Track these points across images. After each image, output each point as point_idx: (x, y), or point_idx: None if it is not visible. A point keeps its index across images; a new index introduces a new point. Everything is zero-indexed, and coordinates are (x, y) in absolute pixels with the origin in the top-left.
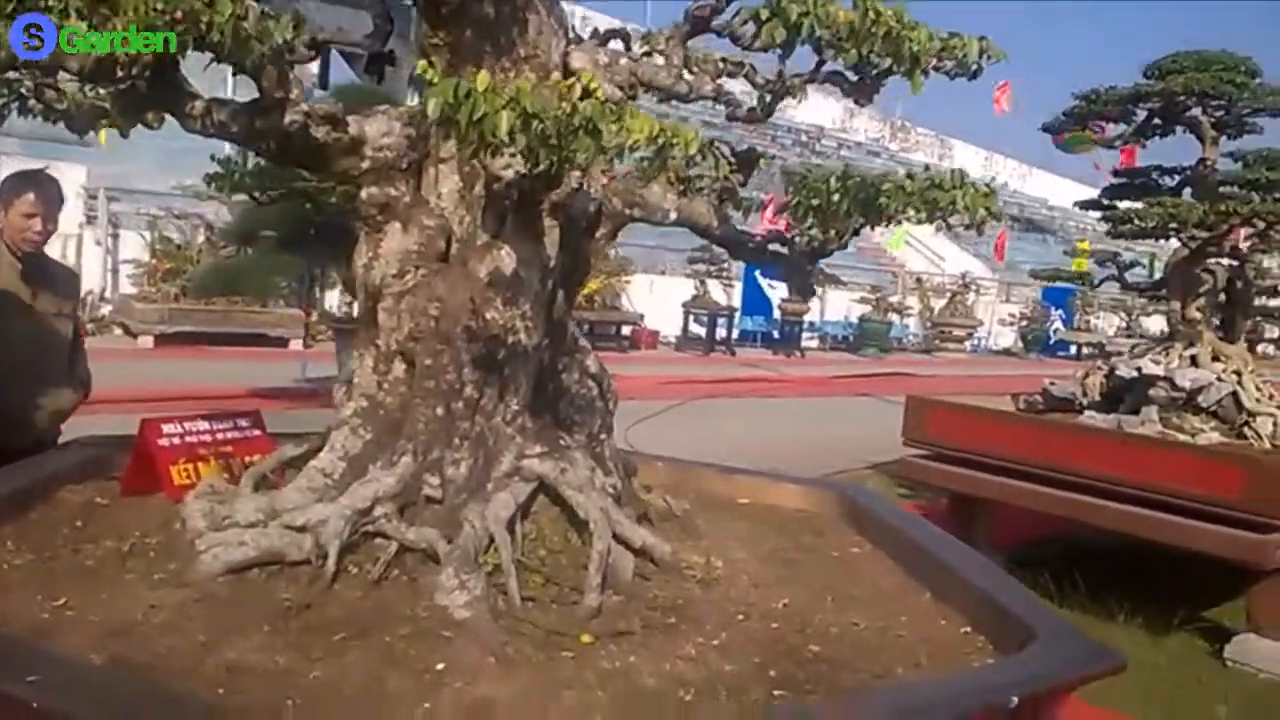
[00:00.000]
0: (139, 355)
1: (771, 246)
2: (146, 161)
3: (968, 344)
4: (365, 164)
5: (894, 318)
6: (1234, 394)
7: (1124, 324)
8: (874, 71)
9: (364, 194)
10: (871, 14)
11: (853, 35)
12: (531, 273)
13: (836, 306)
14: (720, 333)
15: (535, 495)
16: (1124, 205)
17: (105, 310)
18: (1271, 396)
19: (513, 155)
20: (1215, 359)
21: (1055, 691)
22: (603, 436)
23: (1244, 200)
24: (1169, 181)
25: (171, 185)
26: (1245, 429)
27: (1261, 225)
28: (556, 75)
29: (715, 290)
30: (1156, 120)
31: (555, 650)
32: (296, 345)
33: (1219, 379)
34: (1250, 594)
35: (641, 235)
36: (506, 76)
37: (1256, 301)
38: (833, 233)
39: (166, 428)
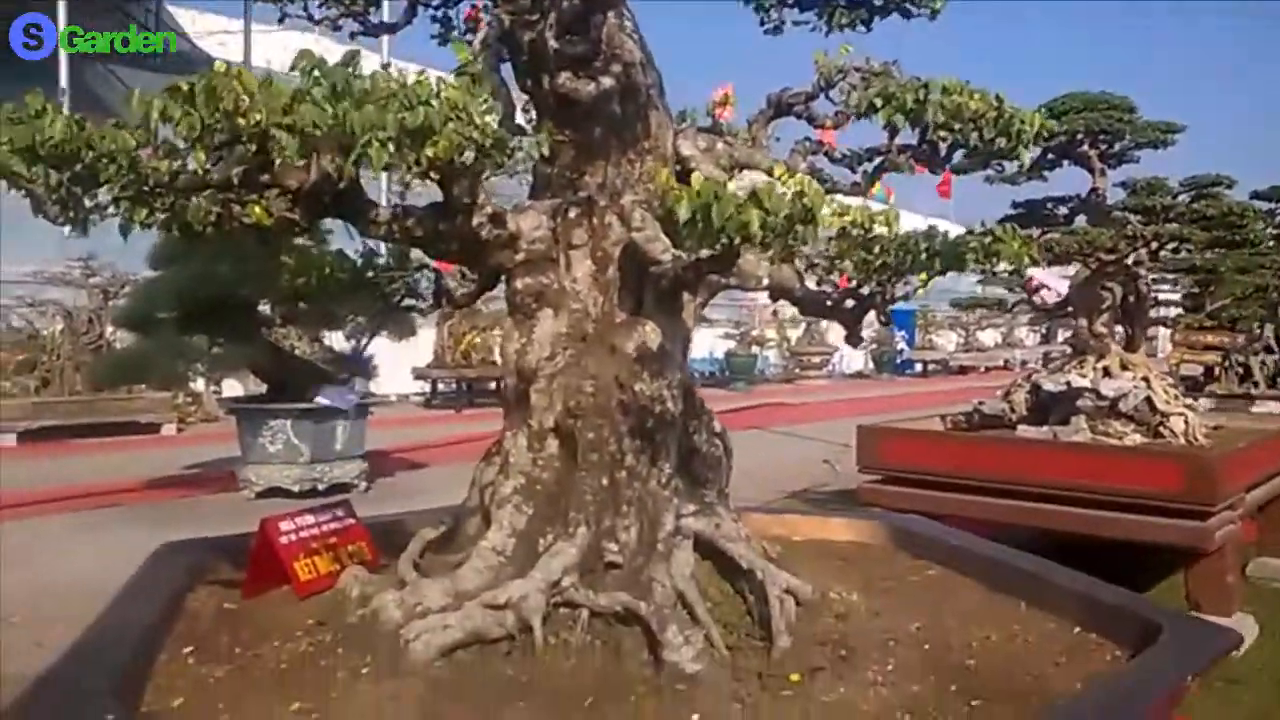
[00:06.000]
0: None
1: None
2: None
3: (825, 369)
4: (519, 256)
5: (756, 350)
6: (1147, 398)
7: (962, 340)
8: (971, 148)
9: (519, 284)
10: (994, 102)
11: (969, 119)
12: (675, 345)
13: (702, 344)
14: None
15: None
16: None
17: None
18: (1177, 398)
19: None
20: (1124, 368)
21: (1200, 671)
22: (727, 491)
23: (1143, 224)
24: (1062, 210)
25: (24, 271)
26: (1160, 429)
27: (1155, 245)
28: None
29: None
30: (1050, 155)
31: (777, 690)
32: (168, 430)
33: (1135, 386)
34: (1190, 574)
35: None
36: (633, 167)
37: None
38: (902, 285)
39: (283, 524)
